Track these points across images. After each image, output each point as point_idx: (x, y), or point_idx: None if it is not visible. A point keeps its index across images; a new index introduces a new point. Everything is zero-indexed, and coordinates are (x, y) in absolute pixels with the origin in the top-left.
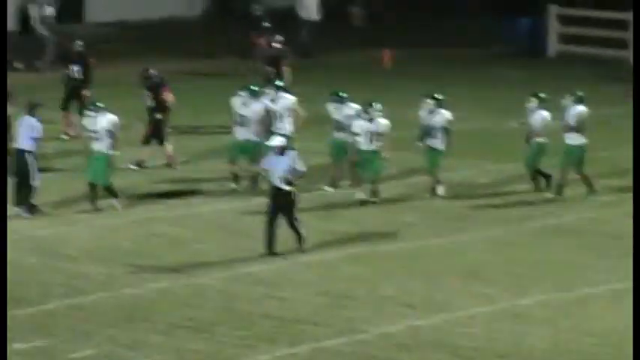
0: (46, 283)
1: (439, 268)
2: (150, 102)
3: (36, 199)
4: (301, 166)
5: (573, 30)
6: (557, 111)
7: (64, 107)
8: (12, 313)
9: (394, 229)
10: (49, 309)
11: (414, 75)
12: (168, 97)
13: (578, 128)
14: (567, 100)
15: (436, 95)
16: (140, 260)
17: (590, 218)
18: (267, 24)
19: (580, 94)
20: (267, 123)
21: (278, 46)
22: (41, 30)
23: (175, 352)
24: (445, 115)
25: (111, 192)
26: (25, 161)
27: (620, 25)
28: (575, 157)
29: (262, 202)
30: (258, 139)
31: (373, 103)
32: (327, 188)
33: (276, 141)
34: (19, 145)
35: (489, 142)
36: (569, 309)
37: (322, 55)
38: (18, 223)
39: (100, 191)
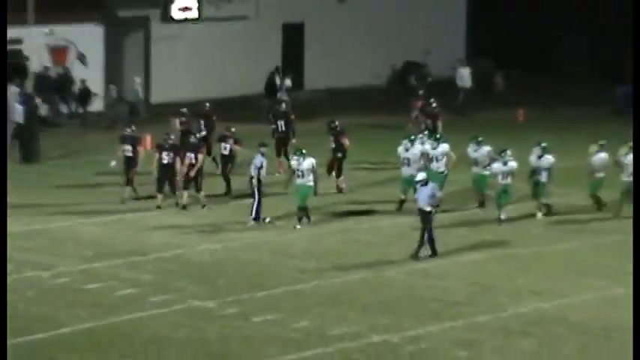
0: (277, 273)
1: (558, 266)
2: (333, 145)
3: (263, 214)
4: (439, 194)
5: None
6: None
7: (277, 154)
8: (251, 295)
9: (525, 237)
10: (278, 292)
11: (541, 129)
12: (346, 141)
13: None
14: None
15: (543, 144)
16: (343, 258)
17: None
18: (421, 92)
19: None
20: (424, 163)
21: (434, 106)
22: (282, 95)
23: (368, 325)
24: (549, 159)
25: (306, 212)
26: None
27: None
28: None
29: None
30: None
31: (507, 150)
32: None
33: (420, 176)
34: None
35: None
36: None
37: (473, 114)
38: (255, 232)
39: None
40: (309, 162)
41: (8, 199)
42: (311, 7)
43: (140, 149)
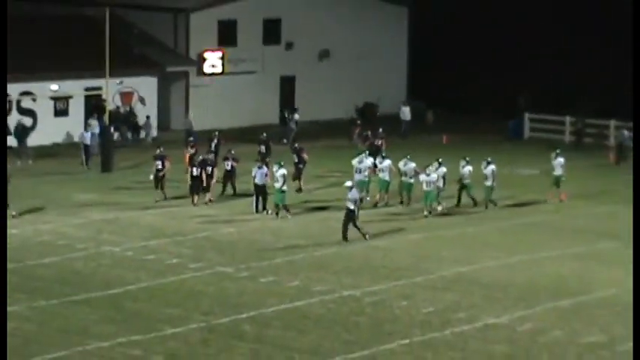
0: (276, 248)
1: (470, 243)
2: (296, 159)
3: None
4: (360, 195)
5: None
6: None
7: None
8: (258, 263)
9: (448, 224)
10: (277, 262)
11: (459, 149)
12: (305, 156)
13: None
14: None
15: (467, 158)
16: (320, 238)
17: None
18: (359, 121)
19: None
20: (369, 173)
21: (380, 132)
22: (291, 125)
23: (339, 284)
24: (470, 168)
25: (285, 207)
26: None
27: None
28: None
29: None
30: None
31: (430, 165)
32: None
33: (348, 183)
34: None
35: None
36: None
37: (411, 139)
38: (259, 221)
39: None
40: (282, 171)
41: (92, 197)
42: (300, 64)
43: (167, 164)
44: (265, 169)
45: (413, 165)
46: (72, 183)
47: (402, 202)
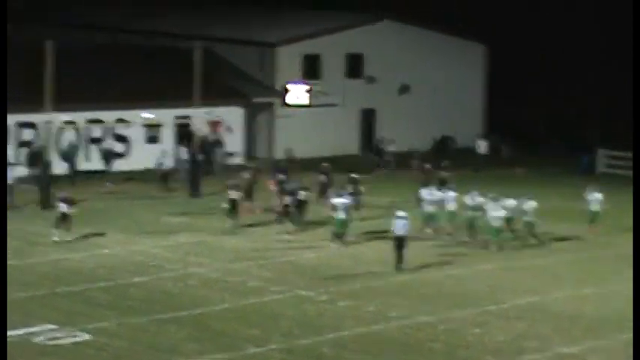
0: (354, 274)
1: (541, 274)
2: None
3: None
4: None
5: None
6: None
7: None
8: (337, 287)
9: (519, 255)
10: (355, 286)
11: (531, 181)
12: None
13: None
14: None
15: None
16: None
17: None
18: (418, 154)
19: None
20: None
21: (428, 165)
22: (386, 155)
23: (415, 310)
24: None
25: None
26: None
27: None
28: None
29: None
30: None
31: (500, 198)
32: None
33: (401, 213)
34: None
35: None
36: None
37: (487, 172)
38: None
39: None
40: (343, 200)
41: (180, 221)
42: (380, 98)
43: (241, 193)
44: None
45: (480, 200)
46: (162, 207)
47: (470, 236)
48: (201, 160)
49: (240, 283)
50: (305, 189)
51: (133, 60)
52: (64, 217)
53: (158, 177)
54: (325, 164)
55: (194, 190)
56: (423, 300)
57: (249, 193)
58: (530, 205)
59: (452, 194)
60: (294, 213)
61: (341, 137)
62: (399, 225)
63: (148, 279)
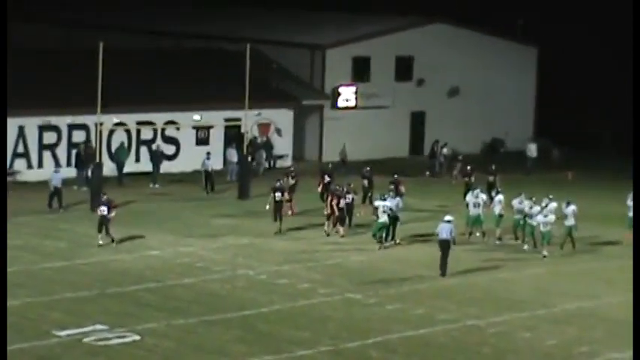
0: (403, 277)
1: (591, 278)
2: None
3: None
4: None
5: None
6: None
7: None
8: (385, 290)
9: (567, 259)
10: (404, 289)
11: (583, 186)
12: (402, 188)
13: None
14: None
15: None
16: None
17: None
18: (460, 157)
19: None
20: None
21: (469, 168)
22: (440, 159)
23: (463, 314)
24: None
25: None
26: None
27: None
28: None
29: None
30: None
31: (548, 204)
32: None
33: (448, 217)
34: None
35: None
36: None
37: (537, 175)
38: (387, 249)
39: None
40: (386, 204)
41: (229, 223)
42: (430, 100)
43: (285, 195)
44: (397, 198)
45: (526, 203)
46: (210, 209)
47: (517, 239)
48: (250, 163)
49: (289, 286)
50: (353, 192)
51: (184, 63)
52: (104, 220)
53: (203, 178)
54: (367, 168)
55: (243, 192)
56: (471, 303)
57: (290, 195)
58: (571, 208)
59: (499, 197)
60: (343, 216)
61: (390, 140)
62: (445, 229)
63: (196, 280)
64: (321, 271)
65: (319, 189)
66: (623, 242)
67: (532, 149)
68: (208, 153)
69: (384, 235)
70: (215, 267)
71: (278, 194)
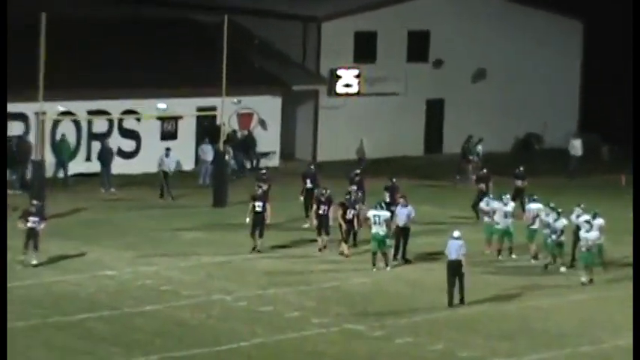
0: (415, 303)
1: None
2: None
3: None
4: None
5: None
6: None
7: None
8: (394, 320)
9: (618, 282)
10: (416, 319)
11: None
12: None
13: None
14: None
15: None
16: (468, 294)
17: None
18: (472, 157)
19: None
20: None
21: (485, 171)
22: (474, 158)
23: (490, 350)
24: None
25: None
26: None
27: None
28: None
29: None
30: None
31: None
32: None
33: (456, 233)
34: None
35: None
36: None
37: (581, 178)
38: (396, 270)
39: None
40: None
41: (201, 236)
42: (450, 86)
43: (268, 208)
44: (409, 208)
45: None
46: (178, 218)
47: (551, 259)
48: (227, 162)
49: (275, 314)
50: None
51: (145, 37)
52: (33, 234)
53: (160, 180)
54: (357, 171)
55: (218, 199)
56: (501, 337)
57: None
58: (598, 222)
59: (534, 206)
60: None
61: (401, 134)
62: (454, 247)
63: (161, 307)
64: (315, 296)
65: (301, 197)
66: None
67: (576, 146)
68: (168, 149)
69: (377, 252)
70: (184, 291)
71: (258, 203)
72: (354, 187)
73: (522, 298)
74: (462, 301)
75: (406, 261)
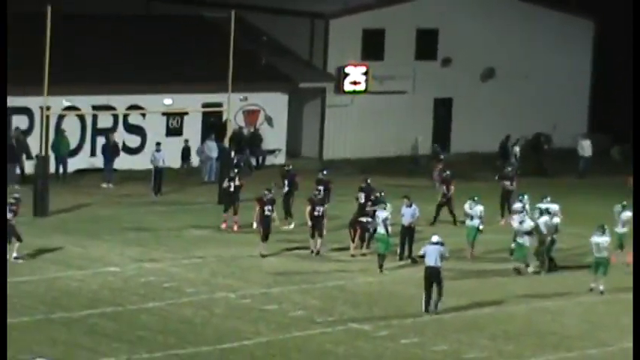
0: (421, 303)
1: None
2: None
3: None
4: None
5: None
6: None
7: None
8: (400, 320)
9: (626, 284)
10: (422, 320)
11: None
12: (452, 187)
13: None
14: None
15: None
16: (475, 295)
17: None
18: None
19: None
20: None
21: (448, 173)
22: (511, 159)
23: (496, 351)
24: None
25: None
26: None
27: None
28: None
29: None
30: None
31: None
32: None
33: (435, 238)
34: None
35: None
36: None
37: (591, 178)
38: (402, 269)
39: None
40: (479, 208)
41: (206, 233)
42: (459, 85)
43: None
44: (413, 207)
45: (480, 208)
46: (183, 215)
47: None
48: (233, 159)
49: (279, 313)
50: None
51: (152, 33)
52: (12, 228)
53: (152, 176)
54: (368, 180)
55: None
56: (507, 339)
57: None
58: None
59: (479, 207)
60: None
61: (409, 133)
62: (432, 253)
63: (164, 304)
64: (320, 295)
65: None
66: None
67: (585, 147)
68: (158, 144)
69: (383, 252)
70: (188, 288)
71: (267, 207)
72: (362, 195)
73: (528, 300)
74: (436, 306)
75: (413, 261)
